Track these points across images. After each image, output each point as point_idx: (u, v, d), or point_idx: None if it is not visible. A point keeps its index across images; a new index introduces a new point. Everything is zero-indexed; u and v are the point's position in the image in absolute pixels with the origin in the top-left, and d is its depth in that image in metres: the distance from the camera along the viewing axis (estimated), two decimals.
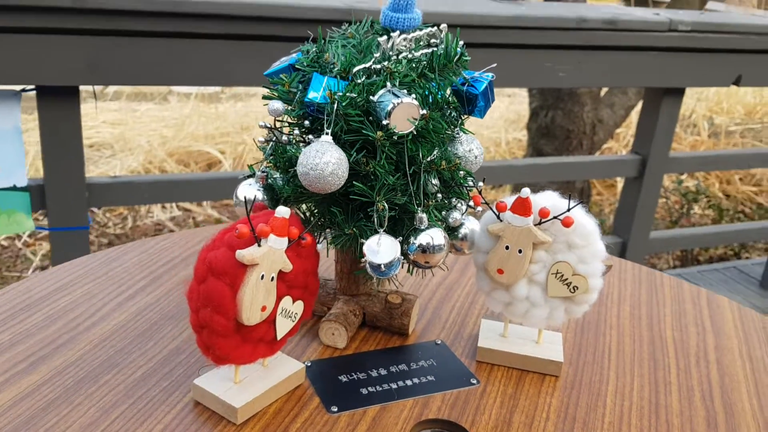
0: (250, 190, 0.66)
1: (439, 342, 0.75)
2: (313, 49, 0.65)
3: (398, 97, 0.59)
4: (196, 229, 0.95)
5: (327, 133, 0.58)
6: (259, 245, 0.55)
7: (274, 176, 0.66)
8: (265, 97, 0.64)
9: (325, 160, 0.57)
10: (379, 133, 0.59)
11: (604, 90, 3.85)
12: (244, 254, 0.54)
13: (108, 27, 1.45)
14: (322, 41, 0.66)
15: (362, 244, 0.61)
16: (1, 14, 1.38)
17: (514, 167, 2.15)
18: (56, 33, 1.43)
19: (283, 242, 0.57)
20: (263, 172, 0.66)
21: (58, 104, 1.53)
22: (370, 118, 0.60)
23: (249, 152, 5.53)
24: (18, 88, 1.53)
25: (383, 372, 0.69)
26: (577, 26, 1.81)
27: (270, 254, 0.56)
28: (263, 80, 1.70)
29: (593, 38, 1.86)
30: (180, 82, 1.62)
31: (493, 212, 0.68)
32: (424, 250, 0.62)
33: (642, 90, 3.53)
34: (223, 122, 5.95)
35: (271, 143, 0.65)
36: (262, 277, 0.56)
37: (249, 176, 0.68)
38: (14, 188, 1.58)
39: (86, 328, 0.71)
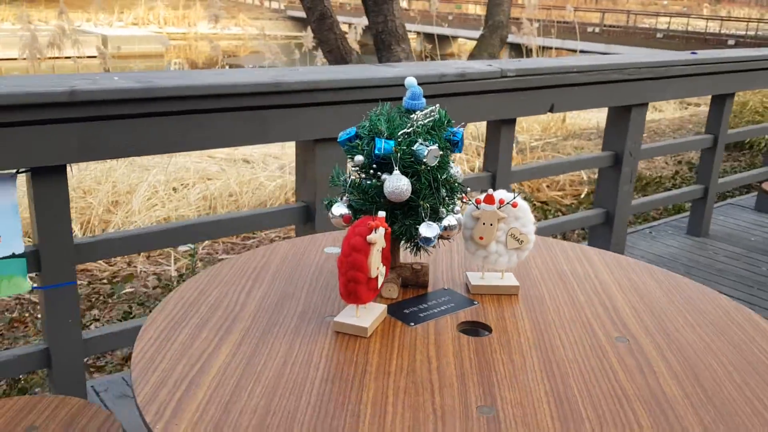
0: (341, 209, 1.12)
1: (447, 288, 1.25)
2: (367, 124, 1.13)
3: (428, 146, 1.09)
4: (252, 251, 1.38)
5: (396, 169, 1.07)
6: (376, 232, 1.03)
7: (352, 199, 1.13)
8: (349, 154, 1.11)
9: (402, 183, 1.06)
10: (422, 167, 1.09)
11: None
12: (371, 237, 1.02)
13: (94, 114, 1.81)
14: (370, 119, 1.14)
15: (416, 228, 1.10)
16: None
17: None
18: (51, 123, 1.76)
19: (382, 230, 1.05)
20: (348, 198, 1.14)
21: (50, 181, 1.84)
22: (412, 159, 1.10)
23: (96, 216, 5.62)
24: (13, 170, 1.83)
25: (425, 305, 1.17)
26: (439, 80, 2.41)
27: (380, 237, 1.04)
28: (209, 145, 2.17)
29: (450, 88, 2.46)
30: (151, 152, 1.98)
31: (474, 205, 1.19)
32: (446, 228, 1.13)
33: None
34: None
35: (350, 180, 1.12)
36: (377, 250, 1.04)
37: (330, 203, 1.15)
38: (12, 256, 1.86)
39: (240, 309, 1.13)
